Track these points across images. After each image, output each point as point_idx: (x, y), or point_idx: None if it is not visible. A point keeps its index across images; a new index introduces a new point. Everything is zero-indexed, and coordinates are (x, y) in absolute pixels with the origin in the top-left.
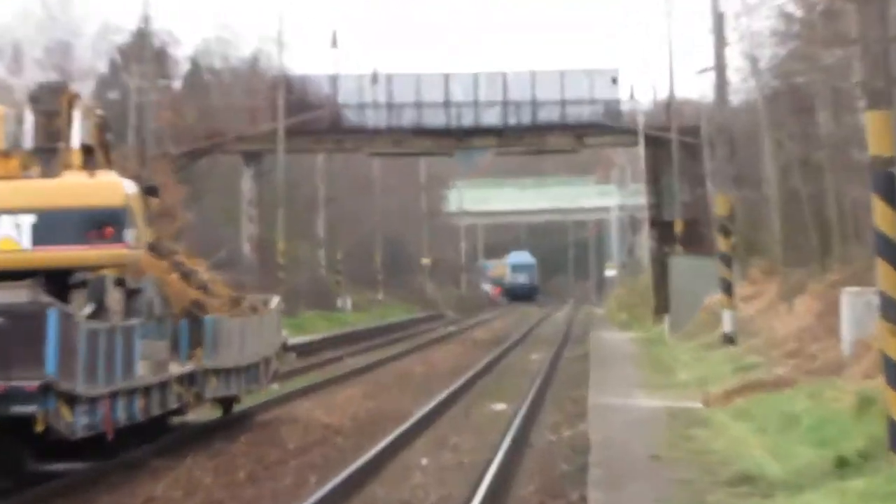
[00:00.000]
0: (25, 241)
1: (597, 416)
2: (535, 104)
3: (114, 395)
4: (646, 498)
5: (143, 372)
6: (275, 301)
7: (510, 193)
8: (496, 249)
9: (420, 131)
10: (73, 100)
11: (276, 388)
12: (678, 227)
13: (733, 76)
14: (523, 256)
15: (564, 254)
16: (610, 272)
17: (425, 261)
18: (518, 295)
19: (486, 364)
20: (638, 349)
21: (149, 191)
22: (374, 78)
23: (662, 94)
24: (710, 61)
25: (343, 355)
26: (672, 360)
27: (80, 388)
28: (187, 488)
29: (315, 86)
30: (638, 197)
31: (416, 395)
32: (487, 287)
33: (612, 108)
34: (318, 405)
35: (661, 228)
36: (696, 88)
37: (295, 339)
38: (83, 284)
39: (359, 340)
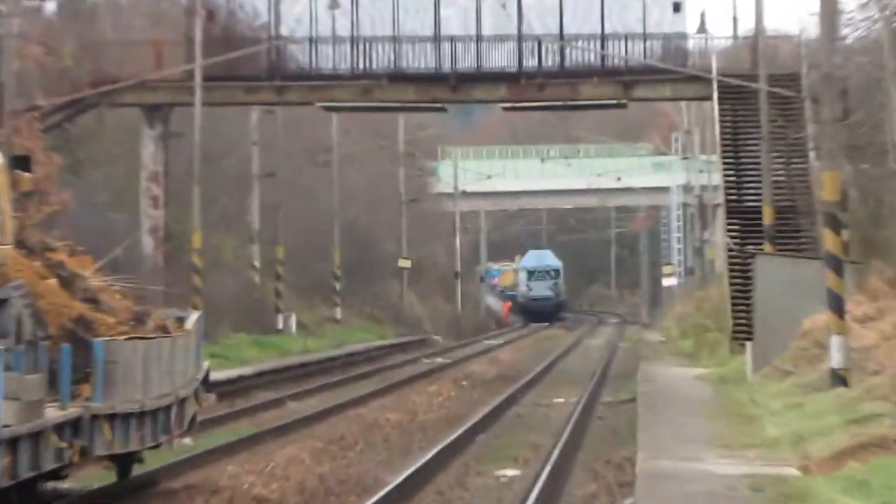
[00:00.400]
0: None
1: (648, 488)
2: (563, 39)
3: None
4: None
5: (7, 419)
6: (193, 319)
7: (526, 167)
8: (506, 248)
9: (398, 77)
10: None
11: (189, 444)
12: (767, 217)
13: (848, 2)
14: (544, 258)
15: (604, 254)
16: (669, 281)
17: (404, 263)
18: (537, 313)
19: (490, 412)
20: (708, 391)
21: (17, 162)
22: (334, 0)
23: (746, 27)
24: None
25: (285, 398)
26: (757, 406)
27: None
28: None
29: (248, 12)
30: (710, 174)
31: (388, 457)
32: (492, 301)
33: (673, 46)
34: (249, 469)
35: (743, 219)
36: (795, 20)
37: (217, 374)
38: None
39: (307, 377)
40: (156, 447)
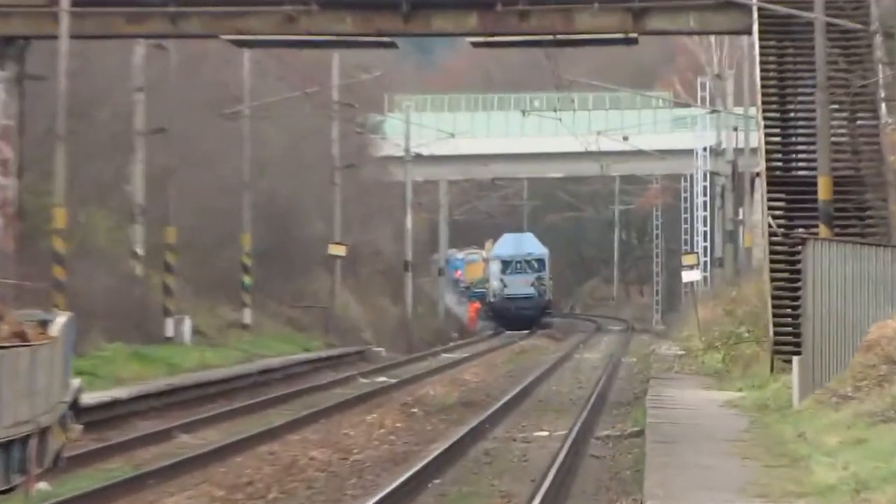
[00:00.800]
0: None
1: None
2: None
3: None
4: None
5: None
6: (61, 323)
7: (502, 123)
8: (474, 231)
9: (333, 1)
10: None
11: (45, 490)
12: (823, 191)
13: None
14: (524, 244)
15: (604, 240)
16: (690, 275)
17: (336, 251)
18: (514, 317)
19: (448, 448)
20: (740, 422)
21: None
22: None
23: None
24: None
25: (174, 428)
26: (805, 443)
27: None
28: None
29: None
30: (747, 133)
31: None
32: (454, 302)
33: None
34: None
35: (791, 193)
36: None
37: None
38: None
39: (204, 401)
40: (7, 492)
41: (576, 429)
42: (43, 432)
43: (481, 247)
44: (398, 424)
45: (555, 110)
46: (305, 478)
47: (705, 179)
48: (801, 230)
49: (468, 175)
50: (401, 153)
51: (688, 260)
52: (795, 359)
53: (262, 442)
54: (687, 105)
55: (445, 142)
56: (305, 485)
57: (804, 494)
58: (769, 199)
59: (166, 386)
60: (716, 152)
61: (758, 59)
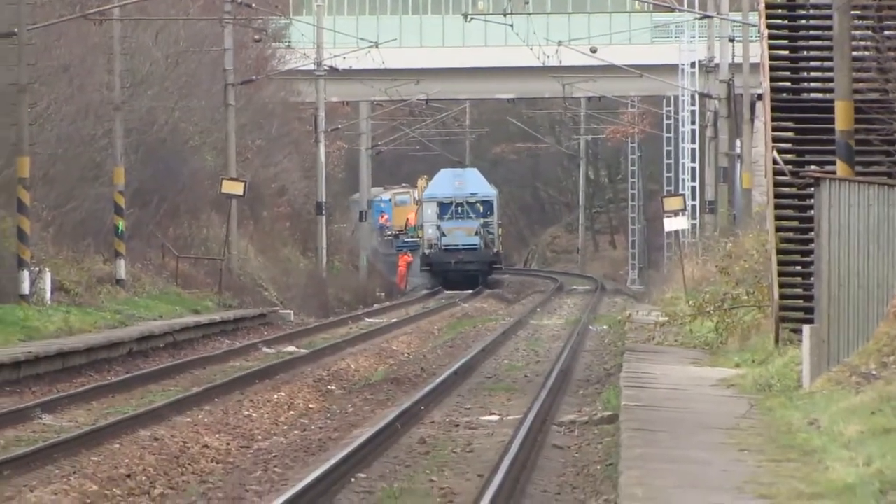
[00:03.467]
0: None
1: None
2: None
3: None
4: None
5: None
6: None
7: (437, 28)
8: (403, 165)
9: None
10: None
11: None
12: (841, 120)
13: None
14: (467, 182)
15: (567, 179)
16: (674, 223)
17: (232, 188)
18: (455, 272)
19: (373, 436)
20: (738, 405)
21: None
22: None
23: None
24: None
25: (33, 407)
26: (819, 432)
27: None
28: None
29: None
30: (745, 44)
31: None
32: (381, 254)
33: None
34: None
35: (802, 121)
36: None
37: None
38: None
39: (71, 374)
40: None
41: (532, 412)
42: None
43: (413, 185)
44: (311, 405)
45: (504, 14)
46: (198, 470)
47: (693, 103)
48: (813, 167)
49: (396, 95)
50: (311, 66)
51: (671, 204)
52: (806, 328)
53: (144, 425)
54: (670, 9)
55: (367, 53)
56: (198, 478)
57: (817, 496)
58: (774, 129)
59: (22, 355)
60: (707, 69)
61: None
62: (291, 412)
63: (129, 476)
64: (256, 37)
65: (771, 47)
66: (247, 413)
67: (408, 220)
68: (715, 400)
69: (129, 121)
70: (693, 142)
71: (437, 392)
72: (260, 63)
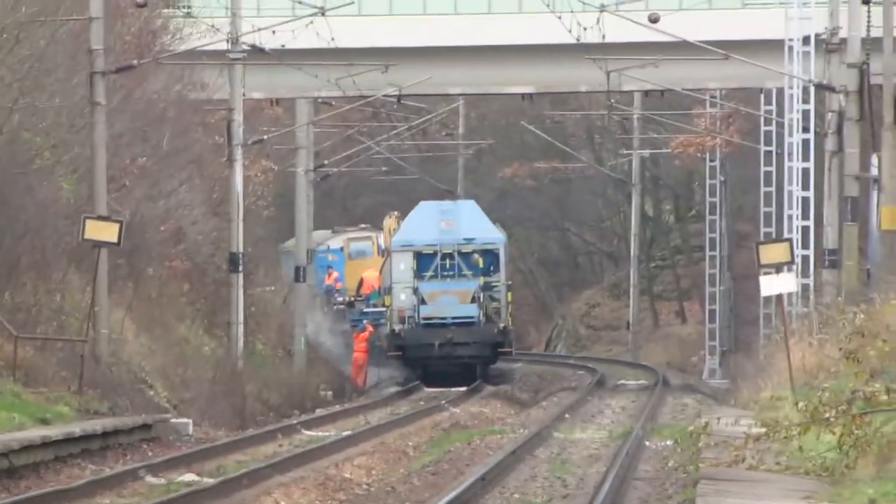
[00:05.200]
0: None
1: None
2: None
3: None
4: None
5: None
6: None
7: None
8: (361, 197)
9: None
10: None
11: None
12: None
13: None
14: (460, 220)
15: (609, 215)
16: (776, 283)
17: (99, 232)
18: (441, 361)
19: None
20: None
21: None
22: None
23: None
24: None
25: None
26: None
27: None
28: None
29: None
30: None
31: None
32: (327, 331)
33: None
34: None
35: None
36: None
37: None
38: None
39: None
40: None
41: None
42: None
43: (377, 228)
44: None
45: None
46: None
47: (807, 99)
48: None
49: (353, 89)
50: (223, 45)
51: (771, 254)
52: None
53: None
54: None
55: (308, 24)
56: None
57: None
58: None
59: None
60: (828, 47)
61: None
62: None
63: None
64: (140, 2)
65: None
66: None
67: (363, 280)
68: None
69: None
70: (805, 159)
71: None
72: (145, 40)
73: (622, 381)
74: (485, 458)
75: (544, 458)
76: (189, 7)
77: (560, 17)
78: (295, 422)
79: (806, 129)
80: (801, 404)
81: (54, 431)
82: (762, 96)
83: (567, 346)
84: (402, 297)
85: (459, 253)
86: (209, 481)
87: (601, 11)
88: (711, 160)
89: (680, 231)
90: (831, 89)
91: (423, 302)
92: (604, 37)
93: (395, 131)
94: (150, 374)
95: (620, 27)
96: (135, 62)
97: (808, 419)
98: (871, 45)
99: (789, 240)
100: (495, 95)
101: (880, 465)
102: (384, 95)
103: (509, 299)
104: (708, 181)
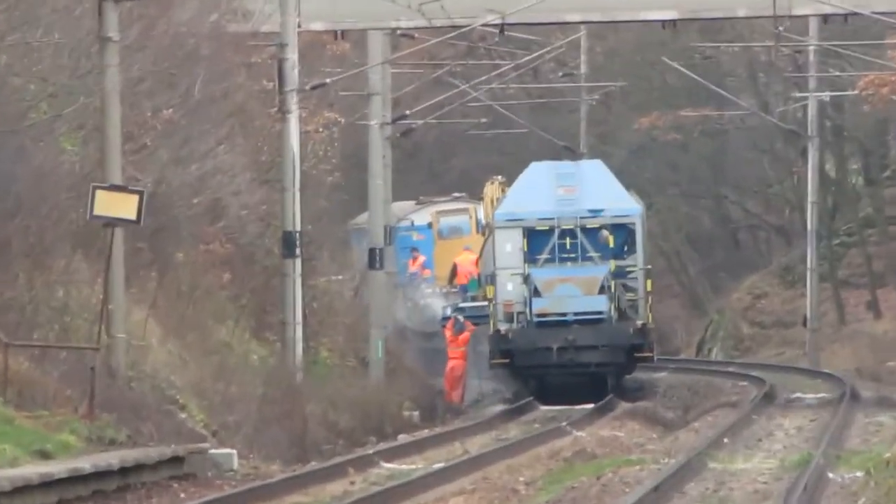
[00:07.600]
0: None
1: None
2: None
3: None
4: None
5: None
6: None
7: None
8: (452, 163)
9: None
10: None
11: None
12: None
13: None
14: (583, 185)
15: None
16: None
17: (114, 208)
18: (561, 371)
19: None
20: None
21: None
22: None
23: None
24: None
25: None
26: None
27: None
28: None
29: None
30: None
31: None
32: (414, 332)
33: None
34: None
35: None
36: None
37: None
38: None
39: None
40: None
41: None
42: None
43: (475, 197)
44: None
45: None
46: None
47: None
48: None
49: (441, 16)
50: None
51: None
52: None
53: None
54: None
55: None
56: None
57: None
58: None
59: None
60: None
61: None
62: None
63: None
64: None
65: None
66: None
67: (457, 266)
68: None
69: None
70: None
71: None
72: None
73: (797, 395)
74: (619, 498)
75: (696, 495)
76: None
77: None
78: (371, 451)
79: None
80: None
81: (57, 468)
82: None
83: (725, 349)
84: (510, 288)
85: (583, 229)
86: None
87: None
88: None
89: (871, 198)
90: None
91: (536, 294)
92: None
93: (497, 72)
94: (182, 392)
95: None
96: None
97: None
98: None
99: None
100: (627, 23)
101: None
102: (482, 25)
103: (649, 289)
104: None
